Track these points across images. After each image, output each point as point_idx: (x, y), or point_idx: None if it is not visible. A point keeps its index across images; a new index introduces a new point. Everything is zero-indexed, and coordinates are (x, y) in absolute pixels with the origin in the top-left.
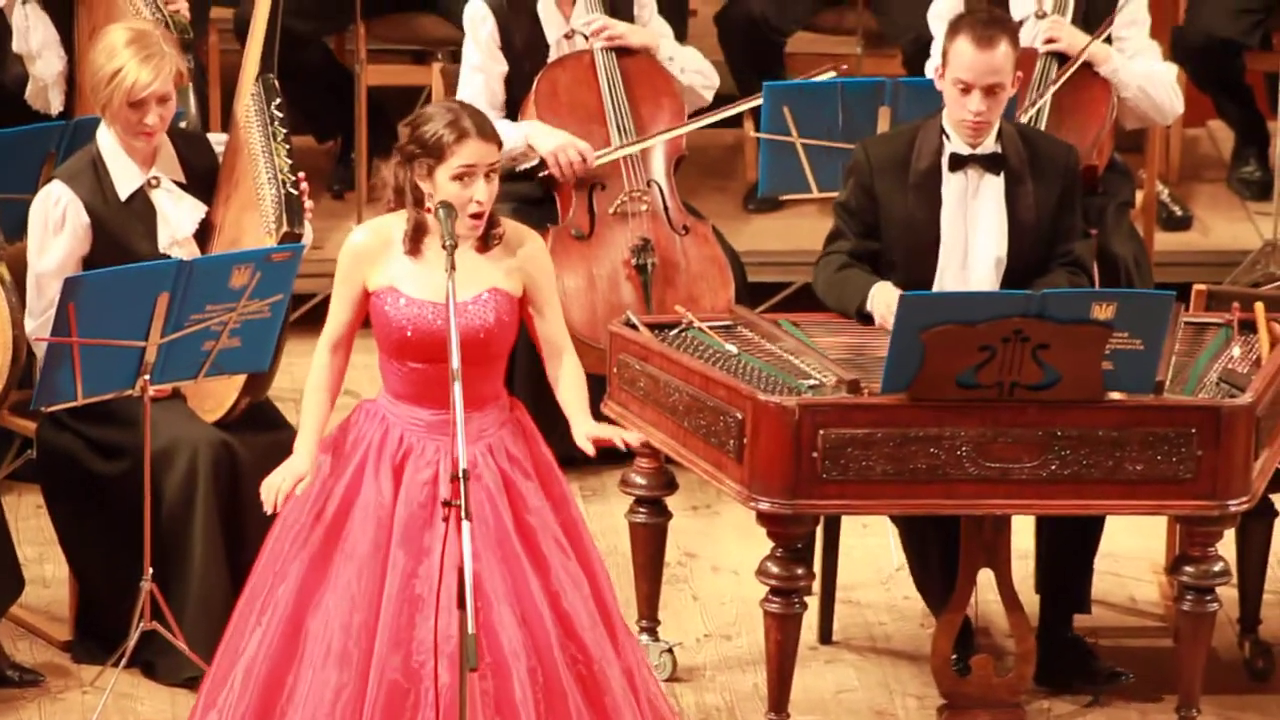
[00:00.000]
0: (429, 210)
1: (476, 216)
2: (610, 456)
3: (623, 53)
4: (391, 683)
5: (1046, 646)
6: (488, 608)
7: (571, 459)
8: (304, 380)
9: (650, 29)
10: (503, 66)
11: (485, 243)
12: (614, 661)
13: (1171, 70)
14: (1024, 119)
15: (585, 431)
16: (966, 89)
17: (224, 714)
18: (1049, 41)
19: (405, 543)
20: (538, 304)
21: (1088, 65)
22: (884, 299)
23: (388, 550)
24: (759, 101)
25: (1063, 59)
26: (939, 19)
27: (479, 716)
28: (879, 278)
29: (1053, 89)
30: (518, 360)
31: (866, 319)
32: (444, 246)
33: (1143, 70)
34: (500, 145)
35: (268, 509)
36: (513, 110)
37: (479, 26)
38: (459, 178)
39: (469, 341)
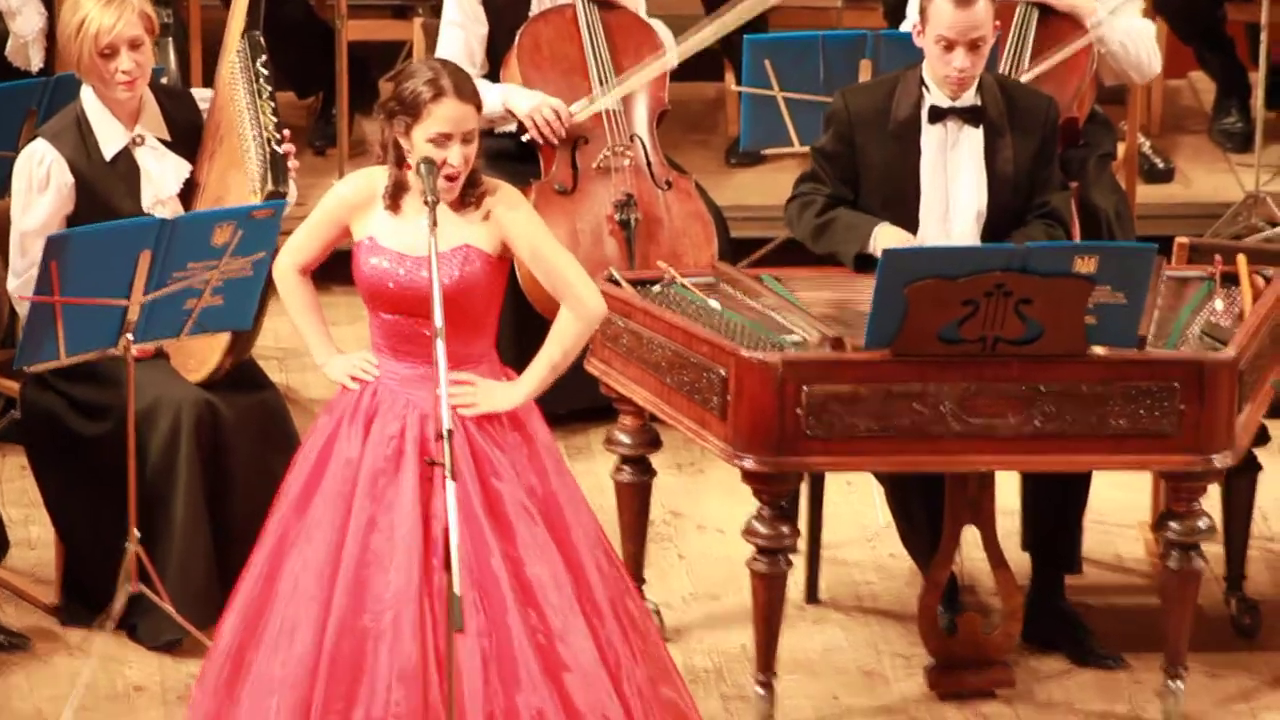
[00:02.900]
0: (409, 168)
1: (450, 178)
2: (594, 415)
3: (604, 6)
4: (347, 636)
5: (1039, 611)
6: (440, 568)
7: (556, 417)
8: (288, 339)
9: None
10: (483, 26)
11: (463, 200)
12: (583, 636)
13: (1151, 28)
14: (1004, 68)
15: (486, 384)
16: (949, 45)
17: (210, 666)
18: None
19: (368, 496)
20: (524, 255)
21: (1071, 17)
22: (894, 238)
23: (350, 503)
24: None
25: (1044, 10)
26: None
27: (429, 673)
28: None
29: (1057, 58)
30: (501, 322)
31: (865, 261)
32: (425, 202)
33: (1124, 26)
34: (480, 107)
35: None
36: (495, 64)
37: None
38: (434, 140)
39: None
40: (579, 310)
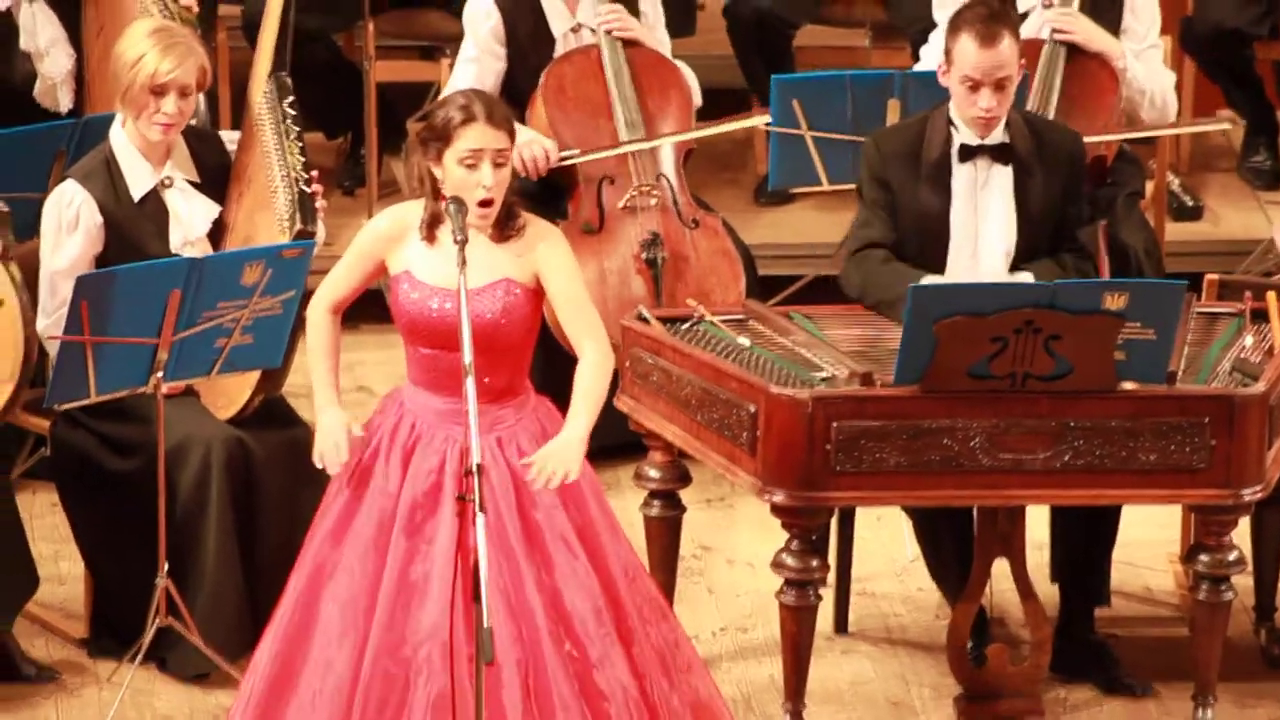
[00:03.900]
0: (444, 199)
1: (485, 204)
2: (624, 450)
3: (629, 45)
4: (384, 669)
5: (1068, 643)
6: (473, 599)
7: (586, 453)
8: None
9: (655, 37)
10: (500, 63)
11: (502, 233)
12: (621, 665)
13: (1171, 77)
14: (1031, 106)
15: (542, 451)
16: (975, 86)
17: (245, 698)
18: (1059, 32)
19: (406, 530)
20: (552, 296)
21: (1099, 57)
22: None
23: (389, 536)
24: (766, 118)
25: (1072, 48)
26: (944, 9)
27: (466, 703)
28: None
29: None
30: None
31: None
32: (455, 241)
33: (1146, 72)
34: (512, 135)
35: (335, 471)
36: (514, 101)
37: (481, 21)
38: (465, 162)
39: (476, 330)
40: (604, 348)
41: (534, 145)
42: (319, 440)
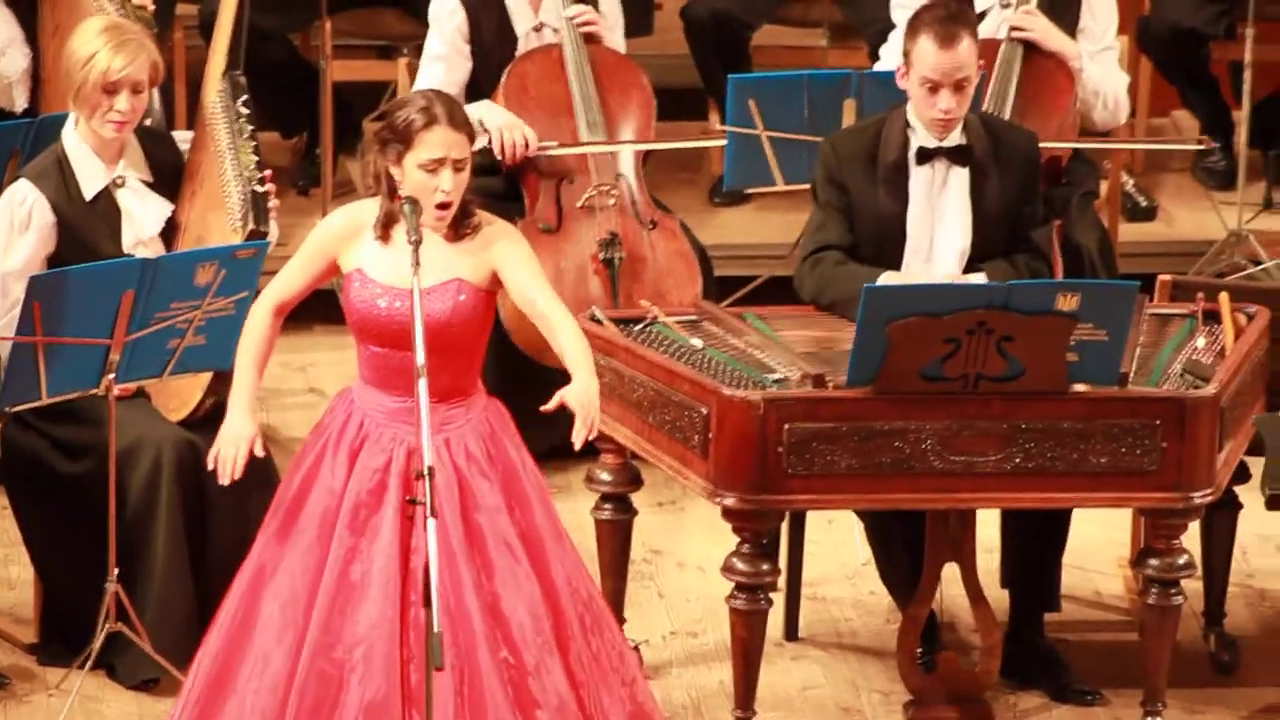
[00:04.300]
0: (400, 199)
1: (442, 207)
2: (576, 453)
3: (591, 43)
4: (319, 669)
5: (1018, 648)
6: (418, 603)
7: (537, 455)
8: (270, 378)
9: (614, 38)
10: (466, 61)
11: (457, 232)
12: (557, 673)
13: (1125, 80)
14: (988, 106)
15: (566, 392)
16: (934, 87)
17: (185, 696)
18: (1017, 30)
19: (349, 527)
20: (518, 284)
21: (1055, 57)
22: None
23: (331, 535)
24: (723, 142)
25: (1029, 48)
26: (903, 9)
27: (399, 708)
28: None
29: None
30: (486, 359)
31: None
32: (409, 241)
33: (1100, 73)
34: (472, 137)
35: (224, 480)
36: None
37: (446, 19)
38: (425, 167)
39: (427, 329)
40: (574, 320)
41: (515, 130)
42: (221, 441)
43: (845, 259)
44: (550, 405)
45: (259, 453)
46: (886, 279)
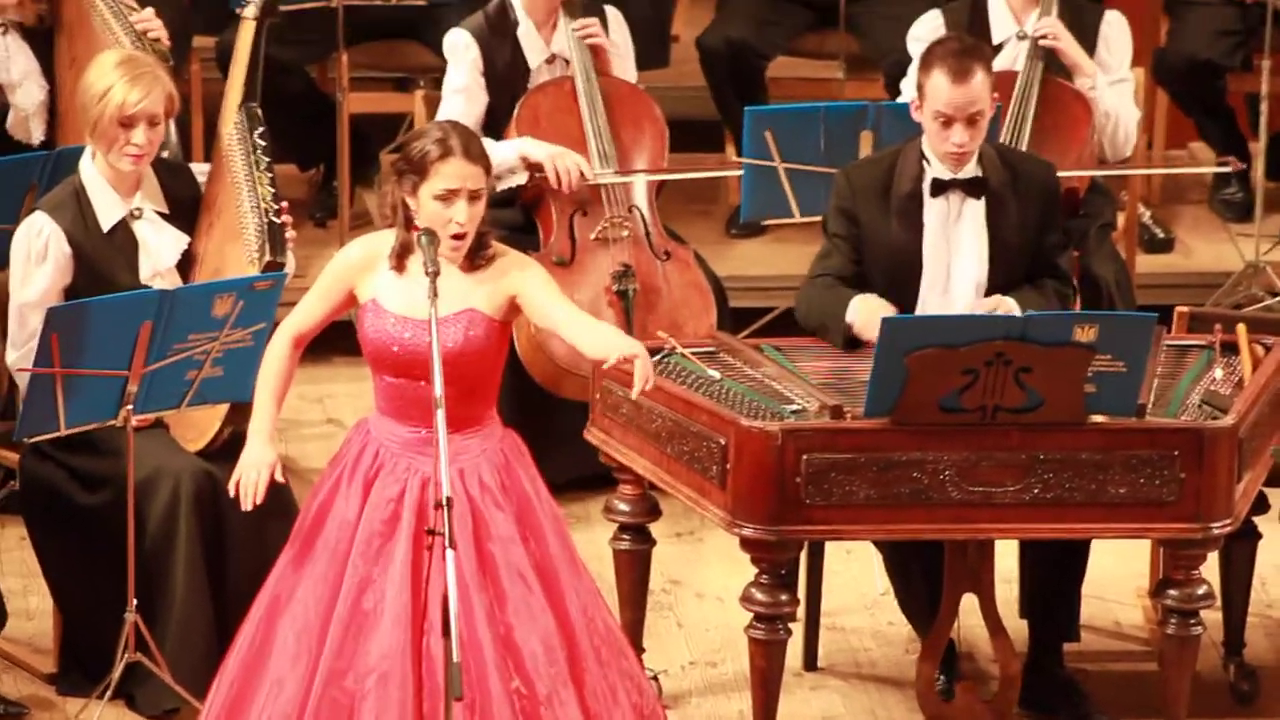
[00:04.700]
0: (416, 229)
1: (457, 238)
2: (593, 483)
3: (603, 76)
4: (331, 698)
5: (1036, 678)
6: (430, 632)
7: (555, 486)
8: (288, 409)
9: (624, 66)
10: (485, 94)
11: (472, 263)
12: (571, 704)
13: (1136, 114)
14: (1004, 137)
15: (615, 348)
16: (947, 121)
17: (206, 714)
18: (1045, 38)
19: (363, 557)
20: (539, 307)
21: (1072, 89)
22: (864, 308)
23: (345, 563)
24: (739, 173)
25: (1045, 79)
26: (918, 41)
27: None
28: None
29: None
30: (502, 391)
31: (850, 341)
32: (426, 273)
33: (1113, 103)
34: (488, 169)
35: (247, 505)
36: (494, 136)
37: (462, 53)
38: (440, 198)
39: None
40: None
41: (566, 158)
42: (241, 468)
43: (835, 284)
44: (610, 362)
45: (279, 478)
46: (860, 301)
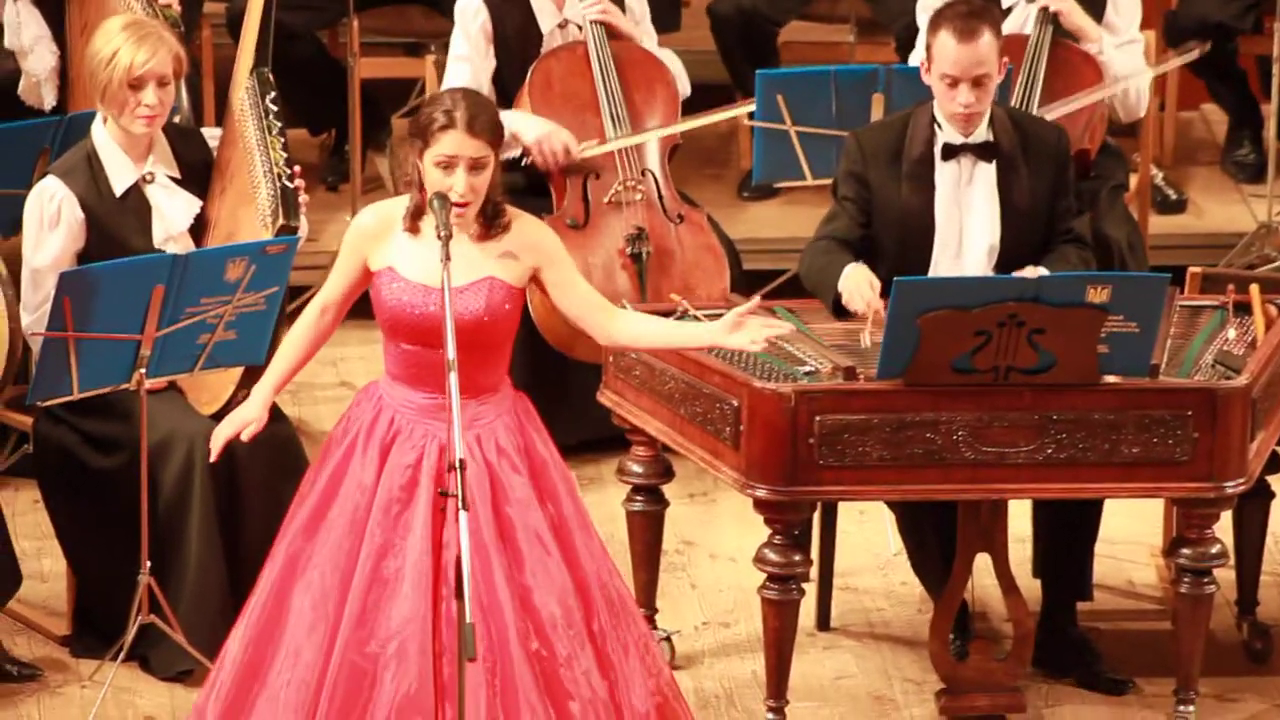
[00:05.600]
0: (426, 192)
1: (459, 206)
2: (606, 445)
3: (615, 40)
4: (351, 663)
5: (1050, 637)
6: (449, 598)
7: (568, 447)
8: (301, 374)
9: (641, 29)
10: (490, 61)
11: (487, 230)
12: (589, 664)
13: (1149, 73)
14: (1015, 100)
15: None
16: (954, 82)
17: (214, 688)
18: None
19: (381, 524)
20: (558, 284)
21: (1082, 52)
22: (851, 279)
23: (363, 530)
24: (751, 108)
25: (1055, 44)
26: (926, 9)
27: (434, 701)
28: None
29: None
30: (515, 354)
31: (839, 309)
32: (438, 236)
33: (1124, 64)
34: (494, 142)
35: (213, 457)
36: (506, 101)
37: (471, 19)
38: (440, 165)
39: (459, 327)
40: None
41: (552, 140)
42: (226, 420)
43: (835, 247)
44: (747, 307)
45: (245, 438)
46: (851, 270)
